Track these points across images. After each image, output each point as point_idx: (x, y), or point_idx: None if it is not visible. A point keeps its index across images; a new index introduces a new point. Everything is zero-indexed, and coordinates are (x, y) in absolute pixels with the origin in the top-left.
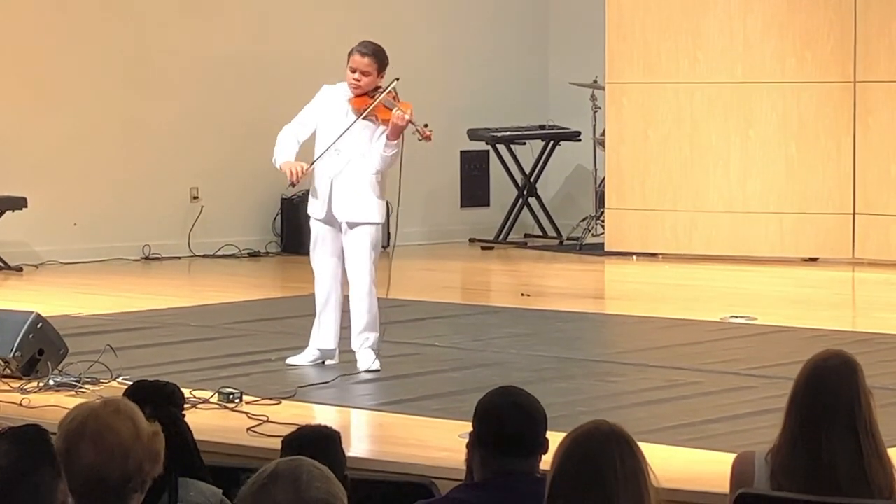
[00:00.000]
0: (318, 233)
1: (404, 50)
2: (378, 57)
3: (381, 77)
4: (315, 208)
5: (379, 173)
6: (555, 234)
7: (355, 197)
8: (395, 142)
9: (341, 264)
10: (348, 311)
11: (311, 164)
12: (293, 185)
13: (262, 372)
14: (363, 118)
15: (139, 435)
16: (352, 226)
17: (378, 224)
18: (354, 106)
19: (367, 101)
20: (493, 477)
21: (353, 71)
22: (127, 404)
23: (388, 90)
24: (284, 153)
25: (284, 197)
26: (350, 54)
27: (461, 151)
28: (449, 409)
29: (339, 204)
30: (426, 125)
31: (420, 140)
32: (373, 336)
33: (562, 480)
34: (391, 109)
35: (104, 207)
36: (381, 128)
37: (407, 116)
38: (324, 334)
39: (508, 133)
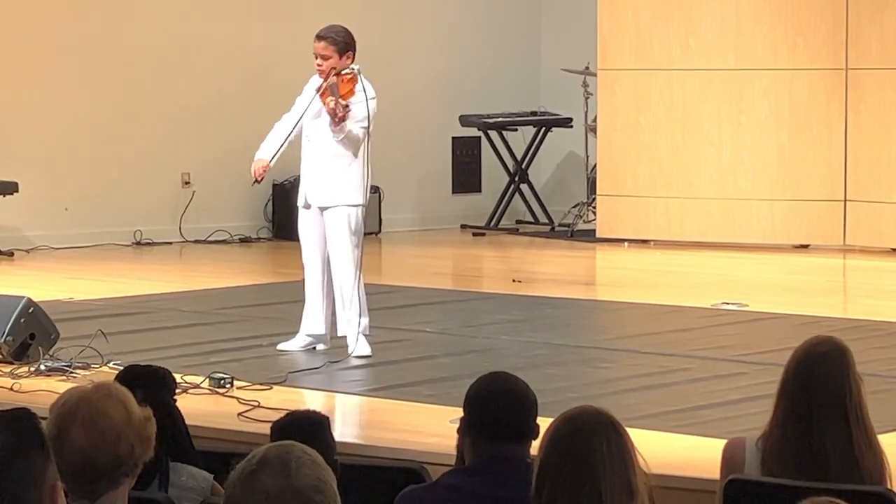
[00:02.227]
0: (302, 220)
1: (397, 37)
2: (334, 39)
3: (347, 58)
4: (299, 197)
5: (347, 155)
6: (546, 221)
7: (326, 181)
8: (338, 129)
9: (326, 249)
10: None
11: (270, 161)
12: (257, 182)
13: (253, 357)
14: (319, 100)
15: (131, 419)
16: (325, 209)
17: (353, 206)
18: (317, 91)
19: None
20: (484, 462)
21: (316, 57)
22: (119, 389)
23: (343, 73)
24: (263, 149)
25: (276, 182)
26: (314, 41)
27: (453, 138)
28: (440, 395)
29: (313, 189)
30: (346, 105)
31: (336, 121)
32: (362, 321)
33: (548, 464)
34: (333, 95)
35: (96, 192)
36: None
37: (332, 105)
38: (313, 320)
39: (500, 119)
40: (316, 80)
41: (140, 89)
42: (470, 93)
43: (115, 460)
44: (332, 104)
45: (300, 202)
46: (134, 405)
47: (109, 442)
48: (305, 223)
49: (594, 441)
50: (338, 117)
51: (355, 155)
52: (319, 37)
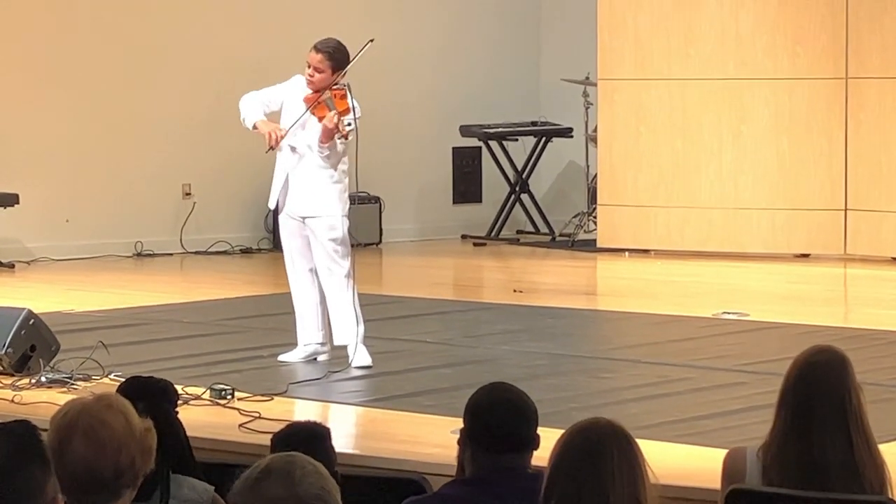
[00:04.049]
0: (283, 228)
1: (398, 47)
2: (332, 55)
3: (339, 75)
4: (272, 200)
5: (331, 167)
6: (547, 231)
7: (309, 191)
8: (327, 144)
9: (311, 258)
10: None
11: (287, 131)
12: (272, 148)
13: (253, 368)
14: (310, 113)
15: (132, 430)
16: (307, 219)
17: (337, 215)
18: (305, 101)
19: (316, 99)
20: (484, 473)
21: (309, 66)
22: (119, 400)
23: (334, 89)
24: (255, 114)
25: None
26: (310, 50)
27: (453, 148)
28: (440, 406)
29: (295, 199)
30: (348, 123)
31: (339, 138)
32: (359, 330)
33: (559, 474)
34: (329, 110)
35: (96, 204)
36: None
37: (335, 120)
38: (307, 329)
39: (501, 129)
40: (298, 82)
41: (140, 101)
42: (470, 103)
43: (117, 471)
44: (334, 120)
45: (271, 204)
46: (134, 416)
47: (111, 453)
48: (289, 233)
49: (605, 453)
50: (340, 134)
51: (335, 167)
52: (317, 49)
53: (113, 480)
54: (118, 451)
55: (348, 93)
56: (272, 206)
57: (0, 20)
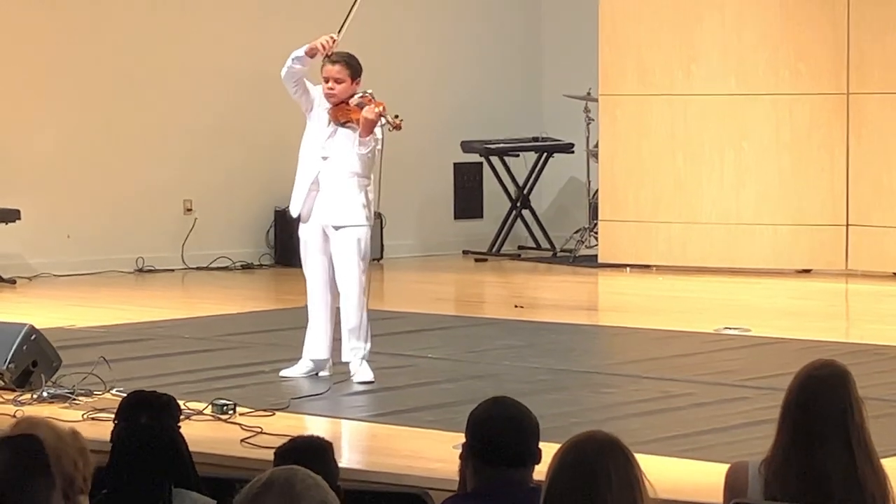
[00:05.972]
0: (304, 238)
1: (399, 63)
2: (349, 63)
3: (357, 84)
4: (295, 207)
5: (362, 176)
6: (548, 246)
7: (339, 200)
8: (368, 138)
9: (331, 271)
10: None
11: (337, 38)
12: (328, 56)
13: (255, 383)
14: (342, 126)
15: (62, 437)
16: (337, 229)
17: (364, 227)
18: (332, 115)
19: (344, 108)
20: (486, 487)
21: (327, 80)
22: (37, 416)
23: (362, 96)
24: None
25: (278, 209)
26: (322, 65)
27: (455, 163)
28: (442, 421)
29: (324, 208)
30: (397, 115)
31: (391, 130)
32: (365, 346)
33: (556, 489)
34: (362, 108)
35: (98, 220)
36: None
37: (377, 110)
38: (316, 344)
39: (502, 145)
40: (318, 92)
41: (142, 117)
42: (472, 118)
43: (67, 478)
44: (375, 111)
45: (294, 212)
46: (58, 424)
47: (54, 464)
48: (313, 248)
49: (602, 467)
50: (392, 125)
51: (368, 176)
52: (333, 60)
53: (67, 488)
54: (58, 459)
55: (373, 99)
56: (295, 213)
57: (1, 35)
